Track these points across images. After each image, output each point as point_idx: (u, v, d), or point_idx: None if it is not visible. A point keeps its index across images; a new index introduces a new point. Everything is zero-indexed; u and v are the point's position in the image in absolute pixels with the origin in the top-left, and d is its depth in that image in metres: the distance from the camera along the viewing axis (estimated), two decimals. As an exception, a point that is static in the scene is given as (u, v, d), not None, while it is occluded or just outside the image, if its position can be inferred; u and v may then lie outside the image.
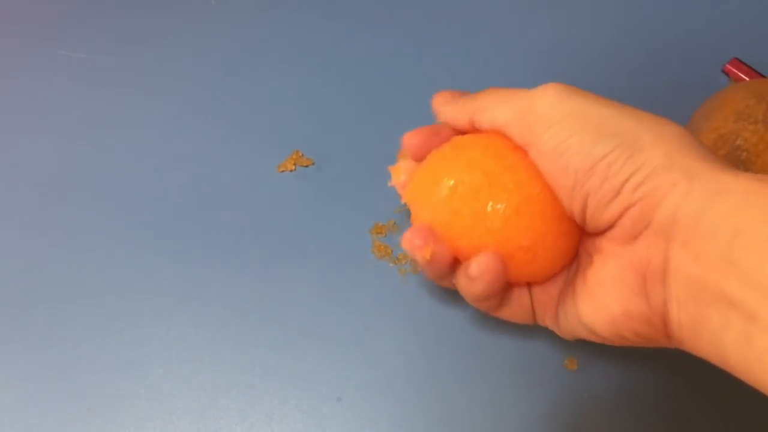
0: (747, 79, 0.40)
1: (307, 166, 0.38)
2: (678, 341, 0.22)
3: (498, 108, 0.26)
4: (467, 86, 0.40)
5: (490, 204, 0.25)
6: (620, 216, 0.22)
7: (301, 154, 0.38)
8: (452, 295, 0.34)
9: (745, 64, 0.40)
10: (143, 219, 0.36)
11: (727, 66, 0.41)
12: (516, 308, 0.28)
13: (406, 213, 0.36)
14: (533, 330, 0.33)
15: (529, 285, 0.28)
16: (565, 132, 0.23)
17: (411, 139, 0.28)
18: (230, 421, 0.31)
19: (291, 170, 0.38)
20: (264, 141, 0.39)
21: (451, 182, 0.25)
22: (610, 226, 0.23)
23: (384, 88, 0.40)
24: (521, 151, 0.25)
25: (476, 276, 0.25)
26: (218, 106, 0.40)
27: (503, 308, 0.28)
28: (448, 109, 0.28)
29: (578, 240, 0.26)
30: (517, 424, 0.31)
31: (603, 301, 0.23)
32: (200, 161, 0.38)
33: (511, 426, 0.31)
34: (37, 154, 0.39)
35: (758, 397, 0.31)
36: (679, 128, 0.23)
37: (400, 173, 0.29)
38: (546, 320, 0.28)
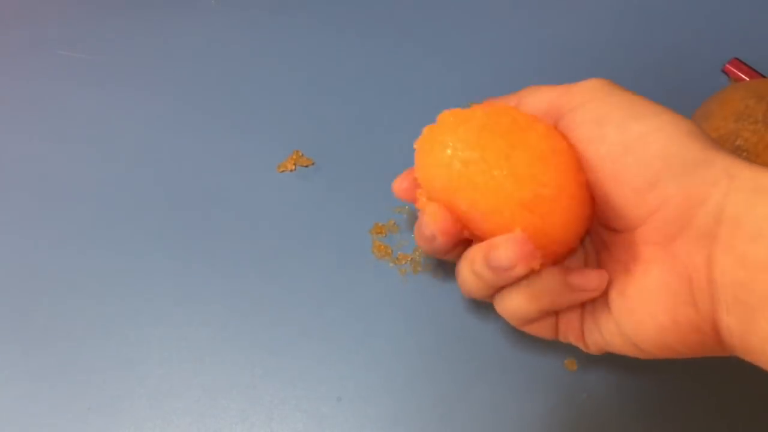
0: (747, 79, 0.40)
1: (307, 166, 0.38)
2: (730, 348, 0.21)
3: (541, 92, 0.26)
4: (466, 86, 0.40)
5: (518, 146, 0.24)
6: (657, 209, 0.21)
7: (301, 154, 0.38)
8: (452, 296, 0.34)
9: (745, 64, 0.40)
10: (143, 219, 0.36)
11: (727, 66, 0.41)
12: (541, 323, 0.27)
13: (408, 213, 0.36)
14: (533, 330, 0.33)
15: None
16: (606, 106, 0.23)
17: (401, 185, 0.28)
18: (230, 421, 0.31)
19: (291, 170, 0.38)
20: (264, 141, 0.39)
21: (482, 120, 0.25)
22: (646, 220, 0.22)
23: (384, 89, 0.40)
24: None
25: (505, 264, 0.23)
26: (218, 106, 0.40)
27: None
28: (497, 100, 0.28)
29: (589, 219, 0.25)
30: (517, 424, 0.31)
31: (648, 313, 0.22)
32: (200, 161, 0.38)
33: (511, 426, 0.31)
34: (37, 153, 0.39)
35: (760, 398, 0.31)
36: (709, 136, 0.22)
37: (436, 215, 0.26)
38: (569, 337, 0.27)
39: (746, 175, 0.20)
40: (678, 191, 0.21)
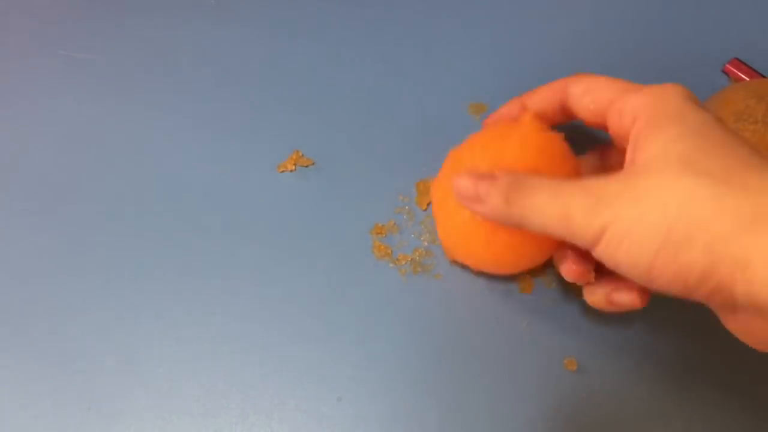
0: (747, 79, 0.40)
1: (307, 167, 0.38)
2: None
3: (538, 215, 0.25)
4: (468, 87, 0.40)
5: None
6: (705, 301, 0.22)
7: (301, 155, 0.38)
8: (451, 297, 0.34)
9: (745, 64, 0.40)
10: (143, 219, 0.36)
11: (727, 66, 0.41)
12: None
13: (407, 214, 0.36)
14: (533, 330, 0.33)
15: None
16: (610, 248, 0.23)
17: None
18: (230, 421, 0.31)
19: (291, 170, 0.38)
20: (264, 141, 0.39)
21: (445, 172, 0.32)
22: (705, 301, 0.23)
23: (385, 89, 0.40)
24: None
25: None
26: (218, 105, 0.40)
27: None
28: (483, 209, 0.27)
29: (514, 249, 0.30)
30: (517, 424, 0.31)
31: (747, 341, 0.24)
32: (200, 161, 0.38)
33: (510, 426, 0.31)
34: (38, 154, 0.39)
35: (758, 399, 0.31)
36: (706, 184, 0.21)
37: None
38: None
39: (757, 257, 0.20)
40: (708, 293, 0.22)
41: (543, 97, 0.30)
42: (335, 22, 0.43)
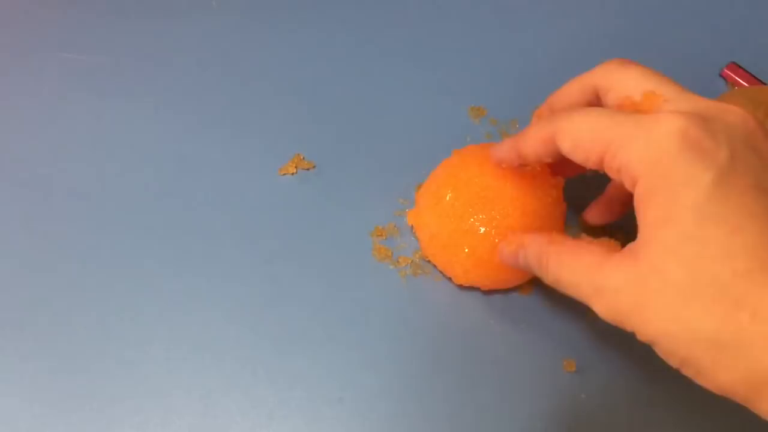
0: (745, 83, 0.40)
1: (308, 170, 0.38)
2: None
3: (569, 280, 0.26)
4: (468, 90, 0.41)
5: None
6: None
7: (302, 158, 0.38)
8: (451, 298, 0.34)
9: (742, 68, 0.41)
10: (145, 221, 0.36)
11: (725, 70, 0.41)
12: None
13: (407, 216, 0.36)
14: (532, 332, 0.33)
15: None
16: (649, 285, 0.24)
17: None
18: (230, 420, 0.31)
19: (292, 173, 0.38)
20: (265, 144, 0.39)
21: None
22: None
23: (386, 92, 0.41)
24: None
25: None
26: (219, 108, 0.40)
27: None
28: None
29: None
30: (516, 424, 0.31)
31: None
32: (201, 164, 0.38)
33: (509, 427, 0.31)
34: (38, 155, 0.39)
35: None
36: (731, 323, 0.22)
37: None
38: None
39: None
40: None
41: (537, 153, 0.27)
42: (337, 26, 0.43)
